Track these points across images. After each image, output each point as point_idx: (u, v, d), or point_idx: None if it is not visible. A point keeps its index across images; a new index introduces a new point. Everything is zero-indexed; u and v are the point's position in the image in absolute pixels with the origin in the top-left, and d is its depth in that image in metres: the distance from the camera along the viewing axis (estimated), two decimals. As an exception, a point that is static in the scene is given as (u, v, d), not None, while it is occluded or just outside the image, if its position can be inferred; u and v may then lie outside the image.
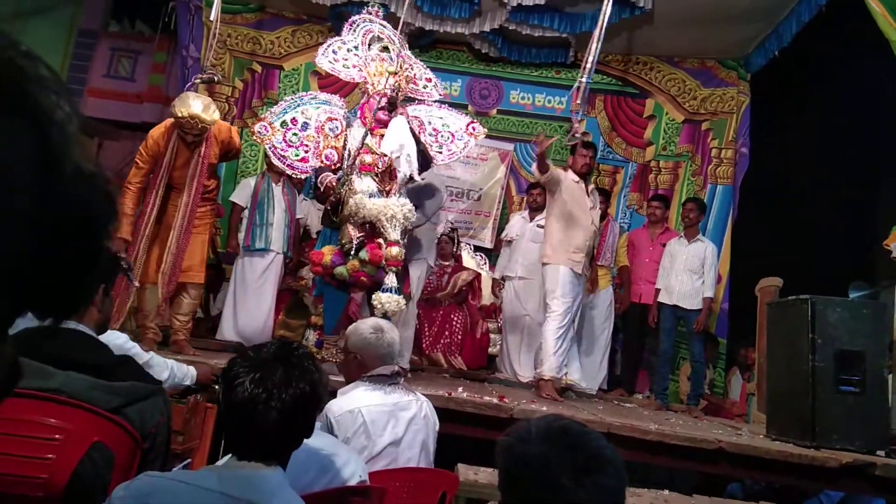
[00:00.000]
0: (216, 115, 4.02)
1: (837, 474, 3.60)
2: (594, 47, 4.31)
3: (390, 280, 4.09)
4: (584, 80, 4.28)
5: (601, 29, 4.37)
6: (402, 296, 4.16)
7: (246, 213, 5.62)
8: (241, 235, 5.58)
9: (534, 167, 4.83)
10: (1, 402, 0.47)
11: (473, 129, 4.80)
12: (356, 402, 2.36)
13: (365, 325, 2.56)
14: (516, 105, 7.37)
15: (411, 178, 4.31)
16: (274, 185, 5.69)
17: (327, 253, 4.17)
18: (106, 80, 8.46)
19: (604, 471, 1.06)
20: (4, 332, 0.43)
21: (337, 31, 7.04)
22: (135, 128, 8.68)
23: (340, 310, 4.35)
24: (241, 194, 5.71)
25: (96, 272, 0.46)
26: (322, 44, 7.07)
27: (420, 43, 6.98)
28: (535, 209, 5.95)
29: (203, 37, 6.88)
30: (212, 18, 4.93)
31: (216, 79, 5.39)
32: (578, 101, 4.33)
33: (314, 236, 6.24)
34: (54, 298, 0.44)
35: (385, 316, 4.04)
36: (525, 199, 6.54)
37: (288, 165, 4.58)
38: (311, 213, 6.22)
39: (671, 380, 5.88)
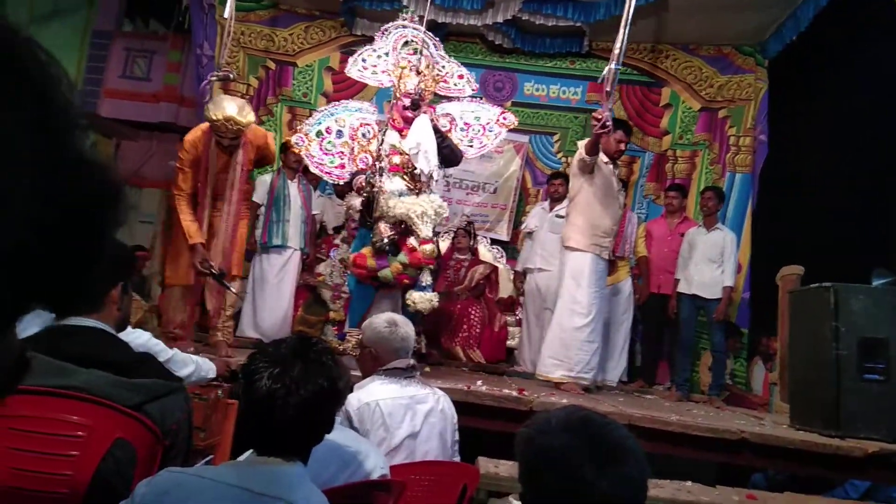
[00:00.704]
0: (251, 117, 3.99)
1: (863, 464, 3.55)
2: (622, 33, 4.29)
3: (425, 278, 4.18)
4: (612, 66, 4.25)
5: (628, 11, 4.34)
6: (434, 293, 4.27)
7: (262, 210, 5.66)
8: (259, 232, 5.62)
9: (581, 146, 4.61)
10: (9, 394, 0.46)
11: (504, 118, 4.95)
12: (373, 395, 2.38)
13: (379, 320, 2.59)
14: (531, 97, 7.32)
15: (431, 176, 4.36)
16: (290, 181, 5.73)
17: (369, 256, 4.23)
18: (122, 81, 8.52)
19: (625, 461, 1.04)
20: (10, 324, 0.43)
21: (349, 27, 7.09)
22: (151, 127, 8.76)
23: (367, 306, 4.40)
24: (258, 192, 5.74)
25: (103, 265, 0.45)
26: (335, 39, 7.23)
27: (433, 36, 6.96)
28: (556, 199, 5.93)
29: (217, 35, 6.90)
30: (226, 16, 4.96)
31: (231, 76, 5.44)
32: (608, 89, 4.29)
33: (331, 232, 6.27)
34: (61, 291, 0.44)
35: (418, 312, 4.14)
36: (546, 189, 6.49)
37: (326, 173, 4.84)
38: (327, 209, 6.24)
39: (692, 370, 5.83)
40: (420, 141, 4.30)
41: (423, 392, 2.50)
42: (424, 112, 4.50)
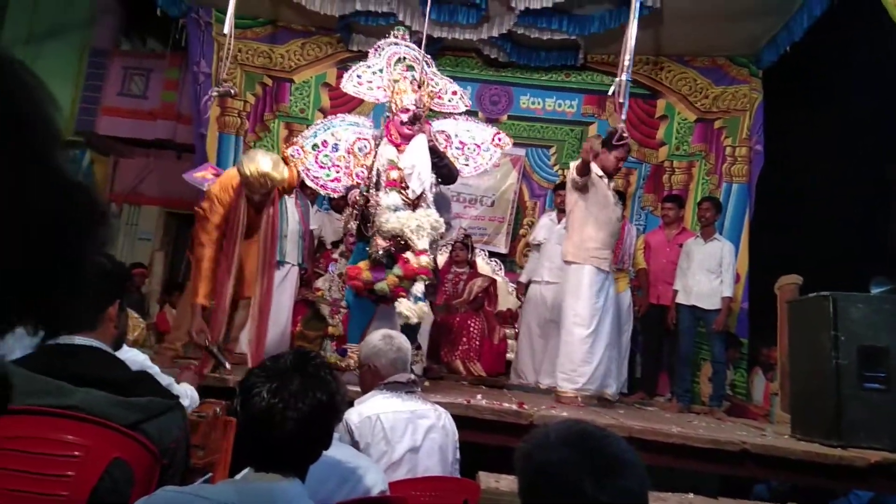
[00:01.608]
0: (286, 173, 3.76)
1: (866, 473, 3.53)
2: (630, 44, 4.33)
3: (417, 288, 4.14)
4: (623, 78, 4.28)
5: (633, 18, 4.39)
6: (425, 303, 4.22)
7: (260, 225, 5.65)
8: (256, 248, 5.61)
9: (573, 167, 4.65)
10: None
11: (499, 139, 4.96)
12: (374, 408, 2.38)
13: (375, 336, 2.60)
14: (527, 110, 7.35)
15: (422, 195, 4.35)
16: (287, 197, 5.71)
17: (364, 268, 4.22)
18: (119, 99, 8.56)
19: (625, 474, 1.04)
20: None
21: (345, 43, 7.13)
22: (148, 145, 8.78)
23: (367, 320, 4.39)
24: (255, 207, 5.74)
25: (89, 283, 0.45)
26: (332, 55, 7.27)
27: (429, 51, 7.00)
28: (563, 210, 5.92)
29: (213, 52, 6.94)
30: (225, 32, 4.98)
31: (232, 92, 5.46)
32: (621, 101, 4.32)
33: (328, 247, 6.27)
34: (44, 309, 0.44)
35: (407, 324, 4.09)
36: (553, 199, 6.44)
37: (321, 186, 4.83)
38: (324, 224, 6.24)
39: (692, 381, 5.82)
40: (415, 163, 4.30)
41: (425, 407, 2.50)
42: (422, 129, 4.50)
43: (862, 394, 3.71)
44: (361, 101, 6.41)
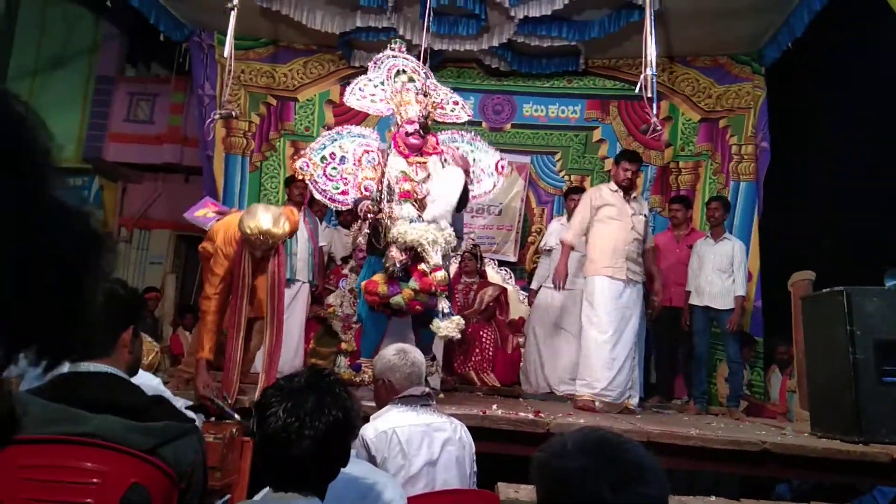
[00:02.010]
0: (287, 227, 3.66)
1: (889, 469, 3.49)
2: (650, 40, 4.39)
3: (443, 305, 4.16)
4: (648, 72, 4.32)
5: (650, 18, 4.49)
6: (458, 316, 4.29)
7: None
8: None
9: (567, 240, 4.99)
10: (2, 447, 0.46)
11: (502, 167, 4.99)
12: (390, 422, 2.38)
13: (389, 350, 2.61)
14: (530, 118, 7.36)
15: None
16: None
17: (381, 282, 4.22)
18: (126, 125, 8.64)
19: (644, 480, 1.03)
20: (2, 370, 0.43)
21: (347, 59, 7.17)
22: (156, 169, 8.86)
23: (381, 334, 4.39)
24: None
25: (94, 310, 0.45)
26: (334, 73, 7.32)
27: (430, 63, 7.03)
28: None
29: (217, 75, 7.00)
30: (225, 55, 5.02)
31: (234, 114, 5.50)
32: (649, 96, 4.36)
33: (339, 263, 6.28)
34: (47, 338, 0.44)
35: (445, 339, 4.21)
36: (565, 204, 6.38)
37: (329, 199, 4.82)
38: (334, 240, 6.26)
39: (709, 383, 5.77)
40: (443, 195, 4.30)
41: (440, 420, 2.49)
42: (437, 150, 4.54)
43: (881, 388, 3.67)
44: (366, 116, 6.44)
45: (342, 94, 7.19)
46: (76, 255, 0.43)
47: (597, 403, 4.54)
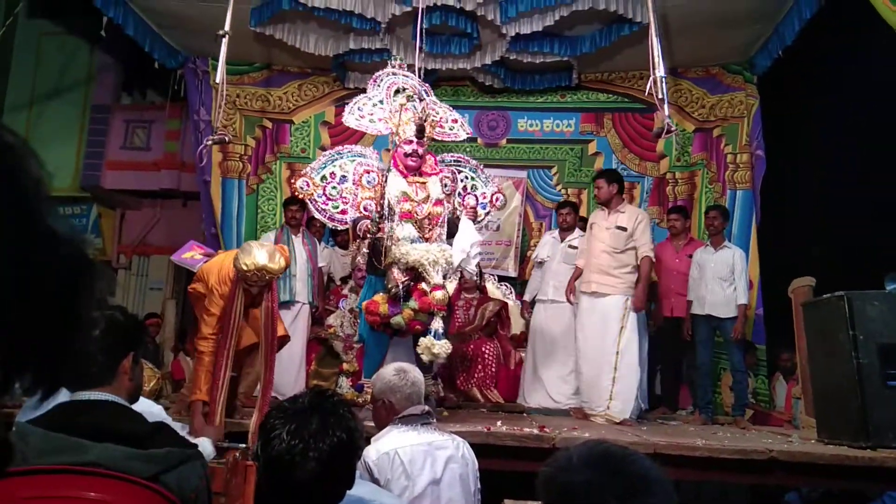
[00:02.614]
0: (282, 263, 3.67)
1: (898, 474, 3.47)
2: (654, 43, 4.51)
3: (436, 324, 4.15)
4: (658, 73, 4.36)
5: (654, 23, 4.59)
6: (446, 341, 4.22)
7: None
8: (266, 290, 5.62)
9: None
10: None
11: (497, 199, 5.01)
12: (391, 444, 2.36)
13: (388, 370, 2.59)
14: (525, 133, 7.40)
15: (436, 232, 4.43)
16: (294, 236, 5.76)
17: (381, 302, 4.22)
18: (122, 152, 8.67)
19: (650, 493, 1.02)
20: None
21: (341, 81, 7.22)
22: (154, 195, 8.87)
23: (382, 354, 4.37)
24: (263, 249, 5.76)
25: (83, 336, 0.45)
26: (329, 94, 7.36)
27: (425, 82, 7.08)
28: (566, 229, 5.92)
29: (213, 100, 7.04)
30: (217, 81, 5.05)
31: (227, 139, 5.51)
32: (660, 97, 4.40)
33: (338, 283, 6.27)
34: (41, 366, 0.44)
35: (432, 361, 4.11)
36: (557, 218, 6.44)
37: (329, 218, 4.82)
38: (333, 260, 6.25)
39: (713, 392, 5.74)
40: (464, 248, 4.36)
41: (442, 438, 2.47)
42: (435, 171, 4.57)
43: (886, 392, 3.66)
44: (362, 135, 6.47)
45: (338, 116, 7.28)
46: (68, 283, 0.43)
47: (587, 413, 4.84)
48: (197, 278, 4.16)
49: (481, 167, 5.16)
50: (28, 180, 0.41)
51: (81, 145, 8.63)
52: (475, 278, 4.45)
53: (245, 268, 3.53)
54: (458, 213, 4.71)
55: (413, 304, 4.14)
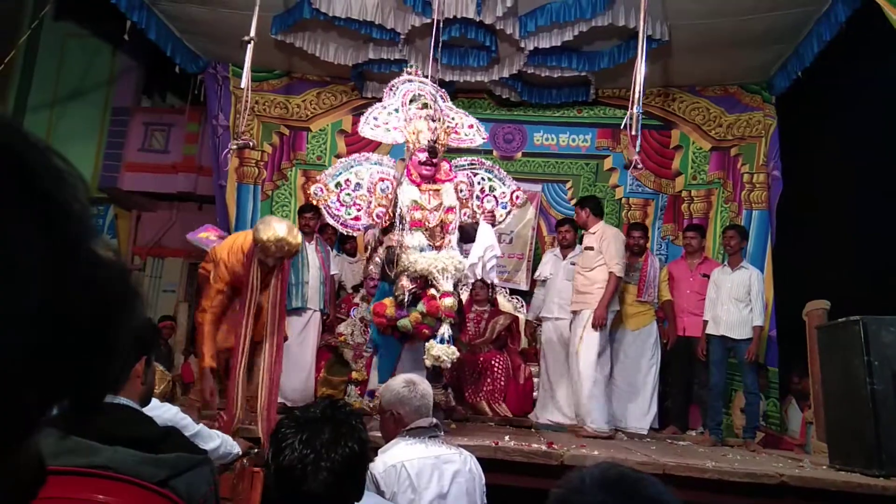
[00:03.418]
0: (299, 238, 3.73)
1: (911, 503, 3.41)
2: (639, 78, 4.40)
3: (444, 330, 4.14)
4: (634, 110, 4.36)
5: (641, 53, 4.45)
6: (453, 347, 4.21)
7: (281, 273, 5.69)
8: (278, 296, 5.64)
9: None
10: None
11: (517, 197, 5.02)
12: (398, 456, 2.34)
13: (396, 382, 2.56)
14: (541, 147, 7.40)
15: (447, 239, 4.44)
16: (307, 243, 5.77)
17: (389, 305, 4.24)
18: (141, 154, 8.75)
19: (664, 518, 1.01)
20: (30, 433, 0.43)
21: (359, 90, 7.26)
22: (170, 198, 8.94)
23: (394, 360, 4.37)
24: (276, 255, 5.78)
25: (118, 359, 0.45)
26: (347, 103, 7.40)
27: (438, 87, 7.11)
28: (566, 247, 5.91)
29: (231, 105, 7.10)
30: (242, 86, 5.09)
31: (250, 144, 5.55)
32: (633, 133, 4.40)
33: (349, 291, 6.28)
34: (79, 393, 0.44)
35: (436, 366, 4.09)
36: (555, 237, 6.48)
37: (342, 224, 4.84)
38: (344, 268, 6.26)
39: (724, 413, 5.69)
40: (479, 254, 4.42)
41: (450, 452, 2.45)
42: (448, 178, 4.57)
43: (901, 420, 3.60)
44: (378, 145, 6.49)
45: (354, 125, 7.30)
46: (111, 312, 0.43)
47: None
48: (208, 258, 4.19)
49: (497, 167, 5.16)
50: (77, 208, 0.41)
51: (101, 146, 8.73)
52: (489, 280, 4.46)
53: (266, 239, 3.56)
54: (476, 217, 4.71)
55: (421, 307, 4.13)
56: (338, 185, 4.81)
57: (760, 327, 5.31)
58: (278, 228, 3.60)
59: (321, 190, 4.78)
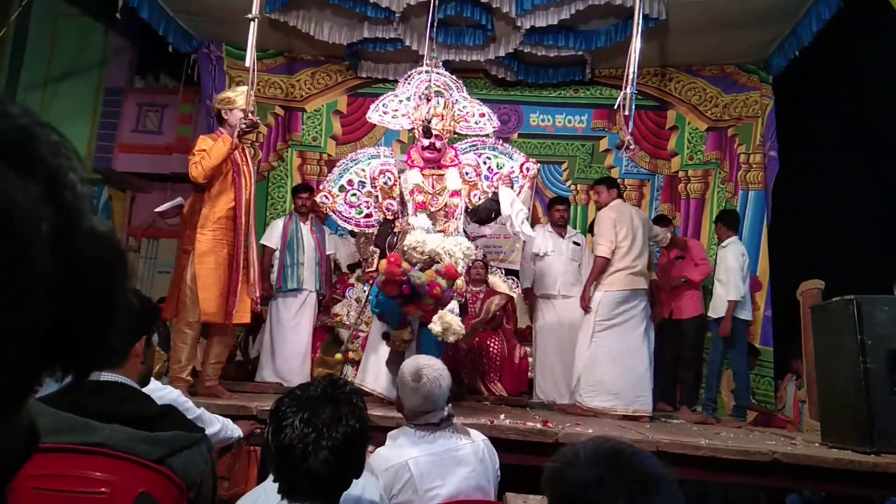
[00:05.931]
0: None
1: (902, 480, 3.45)
2: (634, 58, 4.38)
3: (454, 305, 4.16)
4: (628, 91, 4.33)
5: (637, 33, 4.43)
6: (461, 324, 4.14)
7: (277, 254, 5.69)
8: (274, 277, 5.65)
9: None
10: (16, 473, 0.48)
11: (527, 169, 4.96)
12: (402, 455, 2.23)
13: (409, 367, 2.39)
14: (537, 127, 7.37)
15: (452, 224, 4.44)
16: (302, 224, 5.77)
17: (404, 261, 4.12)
18: (134, 135, 8.68)
19: (658, 491, 1.02)
20: (26, 397, 0.44)
21: (354, 70, 7.20)
22: (164, 179, 8.89)
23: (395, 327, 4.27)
24: (271, 236, 5.79)
25: (116, 329, 0.46)
26: (342, 83, 7.35)
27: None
28: (562, 225, 5.91)
29: (225, 85, 7.04)
30: (247, 65, 5.04)
31: (260, 124, 5.56)
32: (626, 114, 4.38)
33: (345, 271, 6.28)
34: (78, 355, 0.45)
35: (442, 338, 4.01)
36: (549, 216, 6.39)
37: (355, 225, 4.85)
38: (339, 248, 6.25)
39: (717, 391, 5.73)
40: (509, 212, 4.39)
41: (460, 442, 2.32)
42: (454, 162, 4.57)
43: (893, 398, 3.64)
44: (373, 127, 6.46)
45: (349, 105, 7.27)
46: (106, 278, 0.45)
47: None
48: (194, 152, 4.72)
49: (501, 142, 5.17)
50: (77, 180, 0.42)
51: (94, 127, 8.65)
52: (523, 235, 4.45)
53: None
54: (490, 195, 4.69)
55: (440, 267, 3.96)
56: (341, 188, 4.82)
57: (734, 302, 5.32)
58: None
59: (326, 198, 4.80)
